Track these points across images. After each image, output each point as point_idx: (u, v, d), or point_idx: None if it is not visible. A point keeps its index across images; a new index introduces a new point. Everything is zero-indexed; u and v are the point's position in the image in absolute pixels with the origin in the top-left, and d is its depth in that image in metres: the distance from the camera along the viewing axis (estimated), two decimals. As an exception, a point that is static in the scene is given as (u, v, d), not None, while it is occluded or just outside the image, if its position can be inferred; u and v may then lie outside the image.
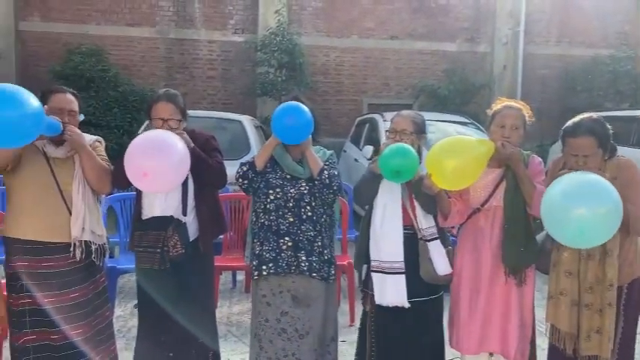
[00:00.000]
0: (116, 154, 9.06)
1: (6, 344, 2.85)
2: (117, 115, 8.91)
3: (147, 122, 6.60)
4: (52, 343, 2.68)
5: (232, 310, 4.51)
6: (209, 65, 10.65)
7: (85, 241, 2.72)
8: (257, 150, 6.29)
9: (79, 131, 2.73)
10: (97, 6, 10.12)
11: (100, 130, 8.42)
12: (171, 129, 2.81)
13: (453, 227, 3.02)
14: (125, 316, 4.29)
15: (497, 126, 2.75)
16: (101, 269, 2.89)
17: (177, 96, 2.93)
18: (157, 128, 2.83)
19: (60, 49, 9.58)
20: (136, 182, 2.65)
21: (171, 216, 2.85)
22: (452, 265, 2.86)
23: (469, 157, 2.60)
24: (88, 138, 2.86)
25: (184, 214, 2.88)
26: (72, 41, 9.58)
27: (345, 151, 8.29)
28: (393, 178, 2.70)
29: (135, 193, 3.03)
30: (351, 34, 10.95)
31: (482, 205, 2.78)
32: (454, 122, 7.31)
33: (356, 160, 7.43)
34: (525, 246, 2.71)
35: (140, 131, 6.64)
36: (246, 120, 6.88)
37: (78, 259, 2.70)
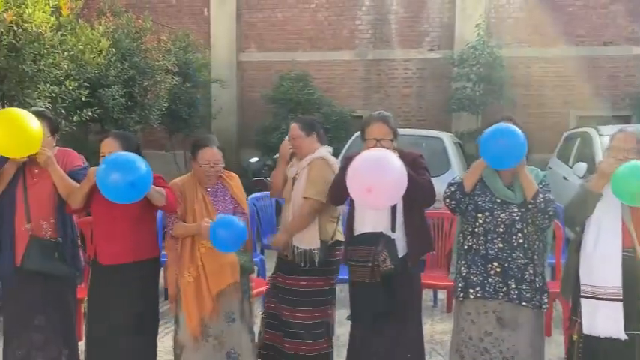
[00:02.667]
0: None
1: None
2: (320, 134, 9.53)
3: (350, 140, 7.09)
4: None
5: (435, 329, 4.51)
6: (404, 83, 10.86)
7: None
8: (457, 167, 6.26)
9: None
10: (304, 35, 11.03)
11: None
12: (383, 149, 2.94)
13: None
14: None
15: None
16: None
17: (389, 117, 3.06)
18: (370, 148, 2.97)
19: (272, 75, 10.64)
20: (360, 198, 2.80)
21: (381, 232, 2.97)
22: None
23: None
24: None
25: (393, 230, 2.99)
26: (282, 68, 10.56)
27: (550, 168, 7.73)
28: (630, 201, 2.48)
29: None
30: (556, 43, 10.22)
31: None
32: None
33: (565, 178, 6.87)
34: None
35: (344, 150, 7.07)
36: (446, 137, 6.85)
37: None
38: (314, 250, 3.22)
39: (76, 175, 3.03)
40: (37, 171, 3.00)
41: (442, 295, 5.10)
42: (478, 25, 9.56)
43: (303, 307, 3.26)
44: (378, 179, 2.68)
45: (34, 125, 2.83)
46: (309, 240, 3.23)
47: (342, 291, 5.28)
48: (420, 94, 10.76)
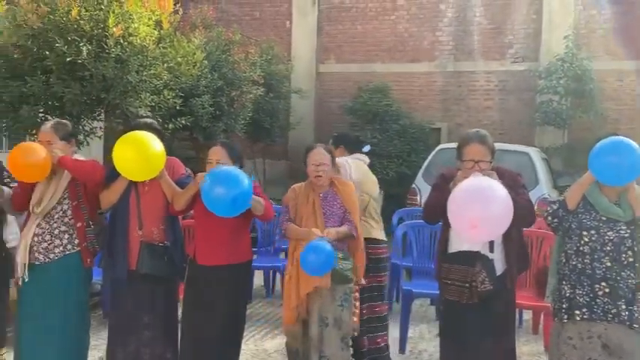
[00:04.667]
0: (395, 181, 9.64)
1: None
2: (397, 145, 9.52)
3: (432, 154, 7.02)
4: None
5: (522, 350, 4.35)
6: (486, 96, 10.62)
7: None
8: (545, 183, 6.05)
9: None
10: (383, 46, 11.06)
11: (382, 159, 9.11)
12: (481, 170, 2.87)
13: None
14: (415, 339, 4.52)
15: None
16: None
17: (487, 137, 2.95)
18: (467, 169, 2.88)
19: (351, 86, 10.73)
20: (464, 233, 2.72)
21: (478, 252, 2.92)
22: None
23: None
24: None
25: (491, 250, 2.92)
26: (361, 79, 10.63)
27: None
28: None
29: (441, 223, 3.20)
30: (651, 55, 9.67)
31: None
32: None
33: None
34: None
35: (425, 164, 7.02)
36: (533, 152, 6.65)
37: None
38: None
39: (182, 183, 3.20)
40: (147, 181, 3.18)
41: (526, 315, 4.94)
42: (567, 36, 9.22)
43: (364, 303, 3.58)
44: (483, 215, 2.57)
45: (159, 150, 2.99)
46: None
47: (422, 306, 5.27)
48: (502, 106, 10.49)
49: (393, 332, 4.54)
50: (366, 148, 4.21)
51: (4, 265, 3.36)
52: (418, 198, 6.48)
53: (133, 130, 3.13)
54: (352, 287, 3.32)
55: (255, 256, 5.25)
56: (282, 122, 10.08)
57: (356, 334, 3.44)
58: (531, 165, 6.20)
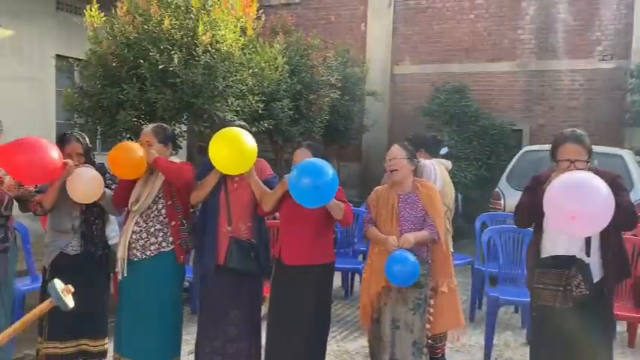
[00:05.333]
0: (473, 184, 9.37)
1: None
2: (476, 147, 9.29)
3: (517, 157, 6.80)
4: None
5: (617, 363, 4.14)
6: (570, 95, 10.15)
7: None
8: (640, 187, 5.70)
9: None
10: (461, 46, 10.83)
11: (460, 161, 8.93)
12: (577, 170, 2.77)
13: None
14: (500, 346, 4.41)
15: None
16: None
17: (584, 136, 2.88)
18: (563, 169, 2.81)
19: (427, 88, 10.59)
20: (563, 225, 2.62)
21: (574, 256, 2.81)
22: None
23: None
24: None
25: (588, 254, 2.81)
26: (438, 80, 10.47)
27: None
28: None
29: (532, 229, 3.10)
30: None
31: None
32: None
33: None
34: None
35: (509, 167, 6.79)
36: (627, 154, 6.29)
37: None
38: None
39: (269, 183, 3.30)
40: (237, 178, 3.31)
41: (620, 327, 4.67)
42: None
43: None
44: (582, 205, 2.48)
45: (252, 145, 3.14)
46: None
47: (505, 313, 5.12)
48: (589, 106, 9.98)
49: (478, 340, 4.46)
50: (444, 150, 4.14)
51: (106, 260, 3.59)
52: (502, 202, 6.29)
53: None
54: (427, 293, 3.28)
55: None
56: (356, 125, 10.10)
57: (429, 341, 3.39)
58: (625, 168, 5.86)
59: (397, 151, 3.28)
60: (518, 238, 4.57)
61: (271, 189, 3.26)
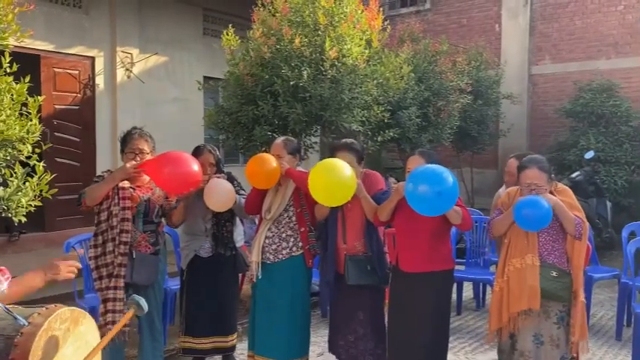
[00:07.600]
0: (626, 191, 8.62)
1: None
2: (627, 150, 8.46)
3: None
4: None
5: None
6: None
7: None
8: None
9: None
10: (608, 41, 9.96)
11: (609, 166, 8.20)
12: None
13: None
14: None
15: None
16: None
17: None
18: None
19: (569, 87, 9.87)
20: None
21: None
22: None
23: None
24: None
25: None
26: (581, 79, 9.71)
27: None
28: None
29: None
30: None
31: None
32: None
33: None
34: None
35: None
36: None
37: None
38: None
39: (377, 199, 3.37)
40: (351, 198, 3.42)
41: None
42: None
43: None
44: None
45: (349, 176, 3.16)
46: None
47: (594, 316, 4.64)
48: None
49: (625, 358, 4.09)
50: (590, 154, 3.81)
51: (234, 262, 3.91)
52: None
53: (333, 149, 3.46)
54: (568, 307, 3.09)
55: (463, 267, 5.22)
56: (491, 130, 9.73)
57: (575, 355, 3.18)
58: None
59: (536, 176, 3.09)
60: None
61: (379, 204, 3.31)
